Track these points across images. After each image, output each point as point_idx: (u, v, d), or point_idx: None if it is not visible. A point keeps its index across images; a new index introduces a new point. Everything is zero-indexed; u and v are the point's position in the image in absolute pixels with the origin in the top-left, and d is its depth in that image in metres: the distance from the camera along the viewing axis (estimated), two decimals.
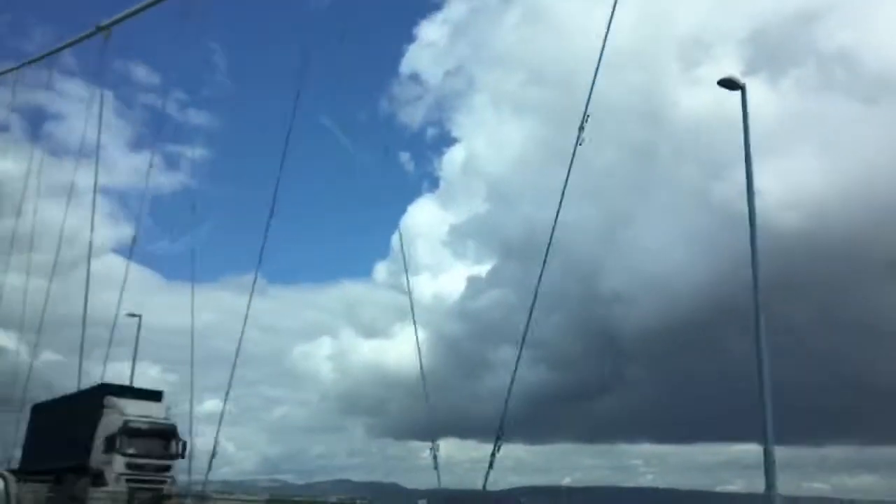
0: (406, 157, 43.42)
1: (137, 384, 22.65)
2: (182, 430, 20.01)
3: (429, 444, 14.91)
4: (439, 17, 47.83)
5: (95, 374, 22.20)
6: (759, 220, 11.40)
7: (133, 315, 25.50)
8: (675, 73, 32.81)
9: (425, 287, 37.97)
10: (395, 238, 38.34)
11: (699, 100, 31.40)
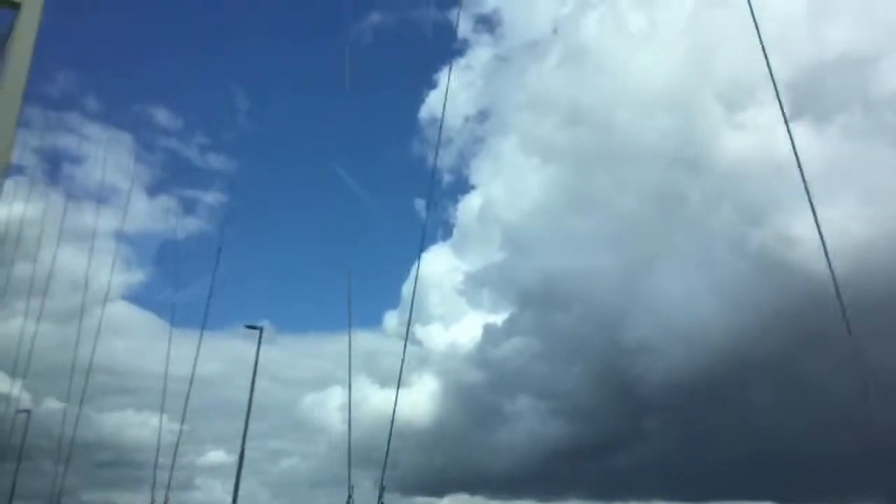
0: (421, 205, 43.03)
1: (145, 434, 21.68)
2: (185, 480, 19.11)
3: (435, 499, 13.81)
4: (462, 63, 48.07)
5: (97, 421, 21.52)
6: (797, 269, 10.60)
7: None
8: (717, 116, 32.64)
9: (439, 336, 37.26)
10: (405, 287, 37.57)
11: (741, 144, 30.71)
